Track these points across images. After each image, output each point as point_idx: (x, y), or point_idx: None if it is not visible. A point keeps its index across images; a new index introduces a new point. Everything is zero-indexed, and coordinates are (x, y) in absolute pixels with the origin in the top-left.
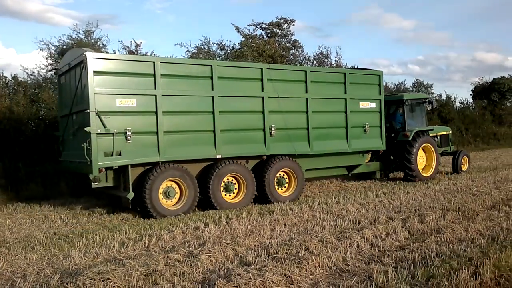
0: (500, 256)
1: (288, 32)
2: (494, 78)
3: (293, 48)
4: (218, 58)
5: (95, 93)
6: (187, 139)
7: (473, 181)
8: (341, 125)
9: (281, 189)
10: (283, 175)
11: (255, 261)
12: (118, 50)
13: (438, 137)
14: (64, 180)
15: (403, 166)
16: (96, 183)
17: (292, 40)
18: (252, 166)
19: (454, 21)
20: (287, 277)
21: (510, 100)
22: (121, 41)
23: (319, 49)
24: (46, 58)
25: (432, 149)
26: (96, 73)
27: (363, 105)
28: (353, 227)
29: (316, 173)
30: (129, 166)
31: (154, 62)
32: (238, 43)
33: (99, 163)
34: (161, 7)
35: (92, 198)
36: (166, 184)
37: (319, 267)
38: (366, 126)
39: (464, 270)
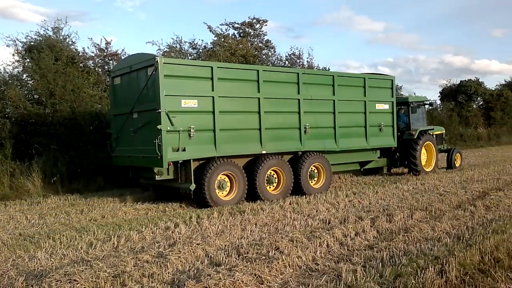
0: (465, 255)
1: (261, 32)
2: (461, 81)
3: (266, 48)
4: (190, 57)
5: (165, 95)
6: (237, 136)
7: (440, 181)
8: (361, 125)
9: (312, 182)
10: (314, 169)
11: (225, 261)
12: (88, 47)
13: (435, 136)
14: (31, 180)
15: (409, 162)
16: (159, 176)
17: (264, 40)
18: (286, 161)
19: (423, 24)
20: (257, 277)
21: (476, 102)
22: (91, 39)
23: (291, 50)
24: (13, 55)
25: (433, 147)
26: (165, 76)
27: (379, 106)
28: (323, 227)
29: (336, 168)
30: (191, 160)
31: (212, 67)
32: (211, 42)
33: (168, 157)
34: (132, 5)
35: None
36: (220, 177)
37: (289, 267)
38: (382, 126)
39: (430, 269)
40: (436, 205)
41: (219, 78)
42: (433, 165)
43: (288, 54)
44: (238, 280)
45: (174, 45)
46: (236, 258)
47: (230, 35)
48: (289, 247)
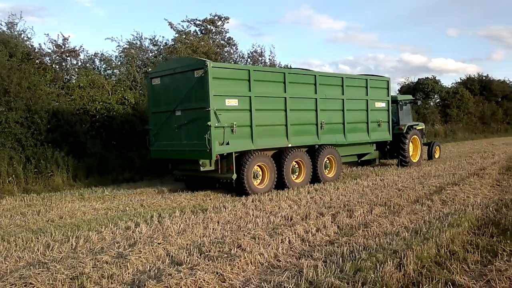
0: (423, 248)
1: (223, 30)
2: (419, 79)
3: (228, 45)
4: (150, 54)
5: (213, 95)
6: (269, 131)
7: (399, 176)
8: (364, 121)
9: (326, 171)
10: (327, 160)
11: (187, 260)
12: (44, 43)
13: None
14: None
15: (399, 154)
16: (203, 167)
17: (226, 37)
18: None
19: (381, 23)
20: (219, 275)
21: (433, 99)
22: (48, 34)
23: (253, 47)
24: None
25: (418, 140)
26: (213, 78)
27: (378, 104)
28: (285, 223)
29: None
30: (233, 153)
31: (249, 70)
32: (172, 39)
33: (216, 150)
34: (90, 0)
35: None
36: (255, 168)
37: (251, 264)
38: (380, 121)
39: (389, 262)
40: (394, 200)
41: (255, 80)
42: (418, 157)
43: (250, 51)
44: (199, 279)
45: (134, 42)
46: (197, 257)
47: (192, 32)
48: (251, 245)
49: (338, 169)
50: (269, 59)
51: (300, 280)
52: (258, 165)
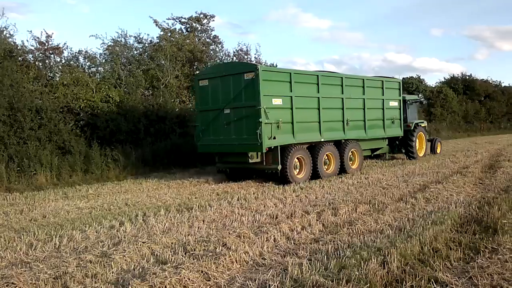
0: (406, 246)
1: (208, 28)
2: (403, 78)
3: (213, 43)
4: (135, 52)
5: (263, 95)
6: (306, 127)
7: (384, 175)
8: (381, 118)
9: (350, 163)
10: (351, 154)
11: (171, 259)
12: (27, 40)
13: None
14: None
15: (407, 149)
16: (251, 160)
17: (212, 35)
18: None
19: (366, 23)
20: (204, 274)
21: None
22: (31, 31)
23: (239, 46)
24: None
25: (424, 136)
26: (263, 80)
27: (392, 104)
28: (271, 222)
29: None
30: (279, 146)
31: (290, 73)
32: (157, 37)
33: (266, 144)
34: None
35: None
36: (295, 160)
37: (236, 262)
38: (393, 119)
39: (373, 260)
40: (379, 198)
41: (295, 81)
42: (424, 151)
43: (236, 50)
44: (184, 278)
45: (119, 39)
46: (182, 256)
47: (177, 30)
48: (237, 243)
49: (360, 161)
50: (254, 57)
51: (285, 278)
52: (297, 158)
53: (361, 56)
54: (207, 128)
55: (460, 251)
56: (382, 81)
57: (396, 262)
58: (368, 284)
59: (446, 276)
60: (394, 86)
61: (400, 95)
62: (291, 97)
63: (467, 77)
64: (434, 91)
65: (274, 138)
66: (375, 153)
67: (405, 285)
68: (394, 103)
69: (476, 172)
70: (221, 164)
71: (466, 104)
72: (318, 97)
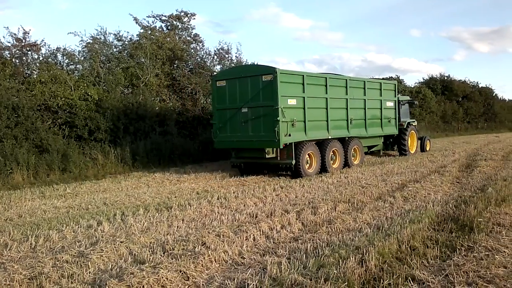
0: (384, 244)
1: (189, 26)
2: (383, 78)
3: (194, 42)
4: (115, 49)
5: (281, 96)
6: (316, 125)
7: (363, 174)
8: (379, 117)
9: (353, 159)
10: (353, 150)
11: (149, 258)
12: (4, 37)
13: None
14: None
15: (400, 146)
16: (268, 155)
17: (192, 34)
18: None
19: (347, 23)
20: (182, 273)
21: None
22: (7, 28)
23: (220, 44)
24: None
25: (415, 134)
26: (281, 82)
27: (388, 104)
28: (250, 221)
29: None
30: (293, 143)
31: (303, 75)
32: (137, 35)
33: (282, 140)
34: None
35: None
36: (306, 155)
37: (215, 262)
38: (390, 118)
39: (351, 258)
40: (358, 197)
41: (307, 83)
42: (415, 148)
43: (217, 48)
44: (162, 278)
45: (98, 37)
46: (161, 255)
47: (157, 27)
48: (216, 242)
49: (362, 157)
50: (235, 56)
51: (264, 277)
52: (308, 153)
53: (341, 56)
54: (224, 126)
55: (437, 249)
56: (380, 83)
57: (374, 260)
58: (346, 283)
59: (423, 274)
60: (390, 88)
61: (395, 96)
62: (304, 97)
63: (446, 78)
64: (413, 92)
65: (289, 135)
66: (371, 150)
67: (382, 283)
68: (390, 104)
69: (454, 171)
70: (236, 159)
71: (444, 104)
72: (326, 98)
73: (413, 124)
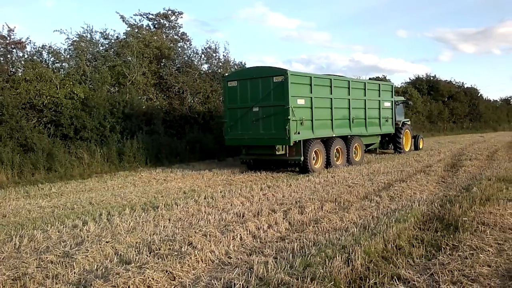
0: (370, 243)
1: (176, 24)
2: (369, 78)
3: (181, 41)
4: (101, 48)
5: (291, 96)
6: (322, 124)
7: (349, 173)
8: (377, 117)
9: (355, 156)
10: (355, 148)
11: (135, 258)
12: None
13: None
14: None
15: (395, 144)
16: (278, 152)
17: (180, 32)
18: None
19: (333, 23)
20: (168, 273)
21: None
22: None
23: (207, 43)
24: None
25: (409, 133)
26: (291, 83)
27: (386, 104)
28: (237, 220)
29: None
30: (302, 140)
31: (311, 77)
32: (123, 33)
33: (293, 138)
34: None
35: None
36: (313, 152)
37: (202, 262)
38: (387, 118)
39: (338, 258)
40: (344, 196)
41: (314, 84)
42: (409, 147)
43: (204, 47)
44: (148, 278)
45: (84, 35)
46: (147, 255)
47: (144, 26)
48: (202, 242)
49: (362, 155)
50: (223, 55)
51: (250, 277)
52: (315, 150)
53: (329, 56)
54: (235, 124)
55: (422, 248)
56: (379, 84)
57: (360, 259)
58: (333, 282)
59: (409, 273)
60: (387, 89)
61: (392, 97)
62: (311, 97)
63: (432, 78)
64: (400, 92)
65: (299, 133)
66: (368, 148)
67: (368, 282)
68: (388, 104)
69: (439, 171)
70: (245, 156)
71: (430, 104)
72: (331, 98)
73: (408, 123)
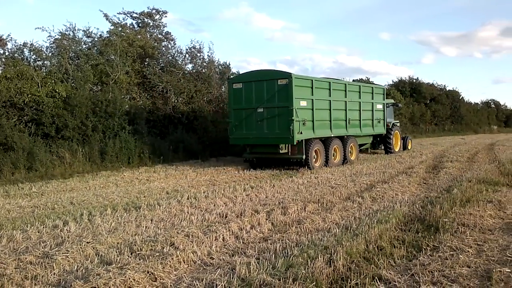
0: (352, 244)
1: (160, 24)
2: (353, 80)
3: (165, 40)
4: (84, 46)
5: (295, 98)
6: (321, 125)
7: (332, 174)
8: (370, 118)
9: (350, 155)
10: (350, 147)
11: (116, 259)
12: None
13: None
14: None
15: (385, 145)
16: (281, 150)
17: (164, 32)
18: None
19: (318, 24)
20: (150, 274)
21: None
22: None
23: (192, 43)
24: None
25: (399, 134)
26: (295, 86)
27: (378, 106)
28: (220, 221)
29: None
30: (304, 140)
31: (312, 80)
32: (107, 31)
33: (296, 137)
34: None
35: None
36: (314, 151)
37: (184, 262)
38: (380, 119)
39: (320, 258)
40: (327, 197)
41: (315, 87)
42: (398, 147)
43: (189, 47)
44: (129, 279)
45: (67, 33)
46: (128, 256)
47: (128, 24)
48: (185, 243)
49: (357, 154)
50: (207, 55)
51: (233, 278)
52: (315, 150)
53: (313, 57)
54: (239, 124)
55: (404, 249)
56: (372, 87)
57: (342, 260)
58: (315, 282)
59: (390, 273)
60: (380, 92)
61: (384, 99)
62: (312, 99)
63: (414, 81)
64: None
65: (301, 133)
66: (361, 148)
67: (350, 283)
68: (380, 106)
69: (421, 172)
70: (249, 154)
71: (412, 106)
72: (330, 100)
73: (397, 125)
